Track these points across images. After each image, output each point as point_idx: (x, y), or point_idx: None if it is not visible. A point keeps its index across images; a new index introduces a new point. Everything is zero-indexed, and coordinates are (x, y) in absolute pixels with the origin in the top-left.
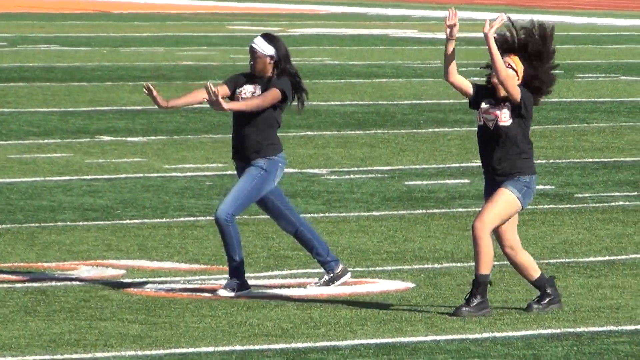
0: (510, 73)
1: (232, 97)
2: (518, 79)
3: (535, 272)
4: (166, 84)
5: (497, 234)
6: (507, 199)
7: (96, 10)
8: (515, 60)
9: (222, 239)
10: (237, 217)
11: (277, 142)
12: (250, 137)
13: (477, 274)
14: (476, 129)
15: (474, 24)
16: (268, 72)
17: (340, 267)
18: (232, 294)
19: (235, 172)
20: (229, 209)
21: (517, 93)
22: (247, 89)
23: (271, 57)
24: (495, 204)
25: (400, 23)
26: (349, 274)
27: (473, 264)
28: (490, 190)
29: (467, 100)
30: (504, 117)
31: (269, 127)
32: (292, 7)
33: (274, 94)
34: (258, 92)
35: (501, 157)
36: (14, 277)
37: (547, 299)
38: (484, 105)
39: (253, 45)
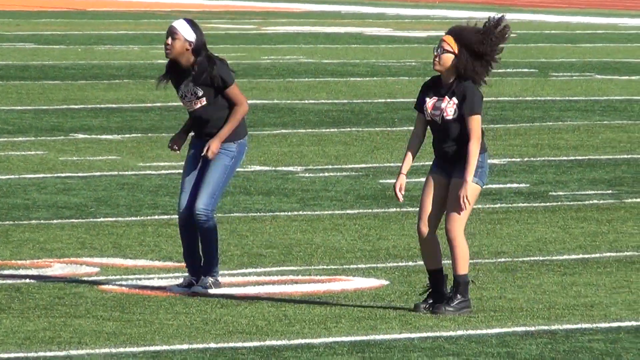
0: (475, 147)
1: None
2: (455, 56)
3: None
4: (141, 82)
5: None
6: (471, 191)
7: (71, 8)
8: (450, 42)
9: (201, 237)
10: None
11: (243, 124)
12: (213, 123)
13: (456, 275)
14: None
15: (449, 22)
16: (183, 58)
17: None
18: (214, 289)
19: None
20: (208, 205)
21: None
22: (188, 91)
23: (190, 42)
24: (459, 201)
25: (375, 21)
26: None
27: (446, 261)
28: (439, 168)
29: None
30: (450, 112)
31: (227, 111)
32: (266, 5)
33: (236, 91)
34: (198, 91)
35: (451, 145)
36: None
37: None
38: (428, 100)
39: (174, 25)
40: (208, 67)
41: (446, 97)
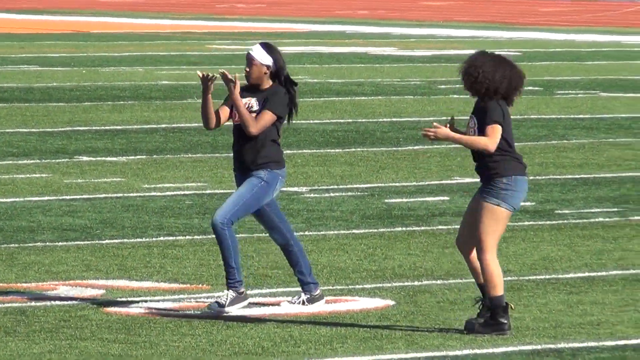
0: (482, 141)
1: (231, 110)
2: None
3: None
4: (146, 103)
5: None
6: (487, 213)
7: (75, 31)
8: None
9: (219, 246)
10: (234, 223)
11: (279, 157)
12: (250, 151)
13: (490, 297)
14: (456, 146)
15: (453, 41)
16: (263, 82)
17: (318, 291)
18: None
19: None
20: (227, 214)
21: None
22: (246, 102)
23: (268, 66)
24: (480, 223)
25: (380, 41)
26: (324, 300)
27: (453, 281)
28: (478, 191)
29: (447, 119)
30: (471, 132)
31: (269, 141)
32: (271, 25)
33: (267, 118)
34: (254, 105)
35: (478, 164)
36: None
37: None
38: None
39: (250, 52)
40: (275, 92)
41: (472, 116)
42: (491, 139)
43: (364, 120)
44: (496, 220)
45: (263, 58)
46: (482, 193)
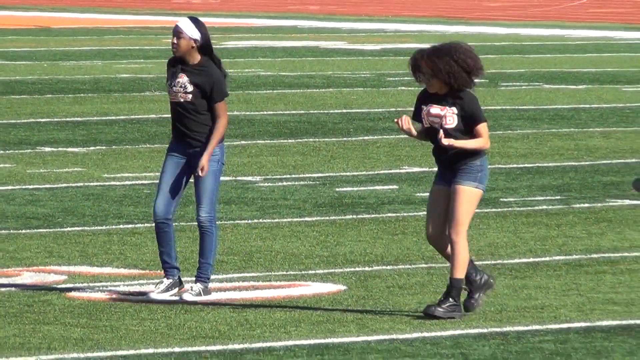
0: (478, 143)
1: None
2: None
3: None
4: (105, 96)
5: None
6: (467, 196)
7: (37, 26)
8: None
9: (201, 240)
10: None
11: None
12: (198, 128)
13: (452, 278)
14: (404, 136)
15: (402, 35)
16: (191, 56)
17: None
18: (204, 296)
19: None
20: (210, 209)
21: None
22: (180, 82)
23: (195, 40)
24: (459, 205)
25: (330, 35)
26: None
27: (402, 267)
28: (442, 179)
29: (396, 110)
30: (449, 121)
31: (206, 117)
32: (225, 20)
33: (223, 107)
34: (188, 85)
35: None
36: None
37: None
38: (425, 108)
39: (178, 25)
40: (211, 74)
41: (446, 106)
42: (487, 138)
43: (315, 111)
44: (473, 202)
45: (191, 31)
46: (456, 178)
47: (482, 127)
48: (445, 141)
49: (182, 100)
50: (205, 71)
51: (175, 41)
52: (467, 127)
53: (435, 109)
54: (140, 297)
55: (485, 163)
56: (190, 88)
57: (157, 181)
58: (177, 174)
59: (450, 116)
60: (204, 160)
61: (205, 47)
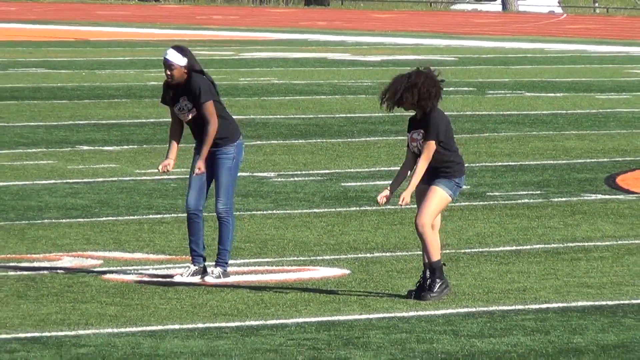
0: (421, 167)
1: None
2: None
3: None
4: (137, 101)
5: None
6: (440, 196)
7: (76, 39)
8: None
9: (220, 229)
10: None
11: (235, 128)
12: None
13: (430, 262)
14: (401, 137)
15: (399, 48)
16: (184, 80)
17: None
18: (223, 279)
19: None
20: (227, 201)
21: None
22: (183, 105)
23: (184, 66)
24: (431, 201)
25: (337, 47)
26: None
27: (400, 253)
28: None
29: (394, 114)
30: (420, 144)
31: (221, 120)
32: (244, 34)
33: (210, 109)
34: (187, 103)
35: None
36: (7, 267)
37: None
38: (409, 135)
39: (167, 58)
40: (197, 82)
41: (420, 130)
42: (427, 156)
43: (323, 115)
44: (442, 204)
45: (179, 60)
46: (430, 180)
47: (427, 145)
48: (402, 202)
49: (190, 117)
50: (193, 85)
51: (168, 72)
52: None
53: (415, 134)
54: (168, 280)
55: (463, 181)
56: (190, 105)
57: (183, 176)
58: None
59: (421, 139)
60: (200, 162)
61: (190, 70)
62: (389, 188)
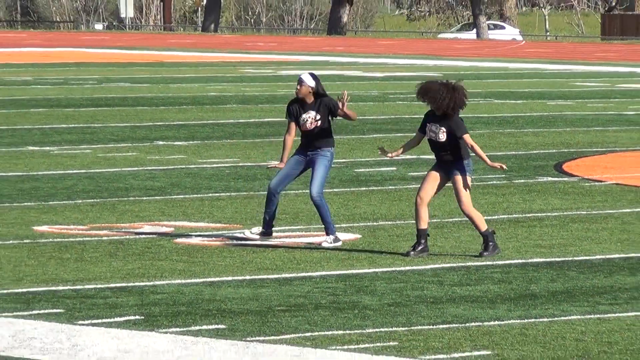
0: (479, 150)
1: (297, 123)
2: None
3: (426, 224)
4: (200, 107)
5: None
6: (465, 182)
7: (154, 60)
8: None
9: (318, 211)
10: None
11: (333, 139)
12: (320, 137)
13: (481, 233)
14: (402, 134)
15: (399, 67)
16: (308, 98)
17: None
18: (336, 243)
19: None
20: (320, 189)
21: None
22: (309, 117)
23: (312, 87)
24: (462, 190)
25: (350, 66)
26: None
27: (399, 222)
28: (440, 168)
29: (395, 116)
30: (441, 137)
31: (329, 129)
32: (280, 57)
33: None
34: (317, 115)
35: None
36: (102, 233)
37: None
38: (428, 125)
39: (302, 77)
40: (327, 100)
41: (439, 125)
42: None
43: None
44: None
45: (309, 82)
46: (453, 170)
47: (466, 138)
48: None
49: (314, 126)
50: (323, 101)
51: (298, 87)
52: (453, 139)
53: (433, 127)
54: (224, 242)
55: (471, 163)
56: (319, 116)
57: (233, 165)
58: (294, 167)
59: (442, 133)
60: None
61: (317, 92)
62: (401, 148)
